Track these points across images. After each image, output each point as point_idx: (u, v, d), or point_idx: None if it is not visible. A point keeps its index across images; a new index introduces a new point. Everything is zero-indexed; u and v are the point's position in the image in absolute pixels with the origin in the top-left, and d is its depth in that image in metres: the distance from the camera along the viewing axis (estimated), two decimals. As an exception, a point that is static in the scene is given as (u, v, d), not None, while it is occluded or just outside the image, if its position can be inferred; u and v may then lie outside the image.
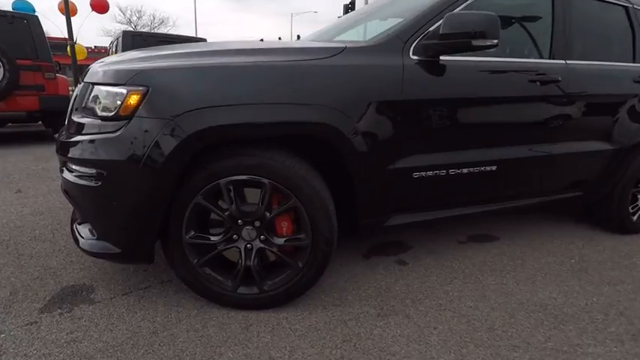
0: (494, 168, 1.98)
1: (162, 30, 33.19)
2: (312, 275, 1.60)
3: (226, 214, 1.53)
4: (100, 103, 1.43)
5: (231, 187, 1.49)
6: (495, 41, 1.57)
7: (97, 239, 1.53)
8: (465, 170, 1.90)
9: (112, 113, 1.38)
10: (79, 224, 1.69)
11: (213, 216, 1.64)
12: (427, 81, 1.71)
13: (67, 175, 1.53)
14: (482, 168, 1.95)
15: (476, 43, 1.57)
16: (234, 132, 1.41)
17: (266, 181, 1.47)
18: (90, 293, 1.74)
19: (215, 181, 1.47)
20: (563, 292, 1.90)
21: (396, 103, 1.64)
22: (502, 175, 2.02)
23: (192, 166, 1.46)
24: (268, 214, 1.53)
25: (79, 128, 1.48)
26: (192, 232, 1.54)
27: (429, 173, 1.82)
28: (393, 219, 1.86)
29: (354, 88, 1.56)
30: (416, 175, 1.79)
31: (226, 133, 1.39)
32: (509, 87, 1.94)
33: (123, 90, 1.37)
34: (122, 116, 1.37)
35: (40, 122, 6.36)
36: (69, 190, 1.56)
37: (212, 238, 1.56)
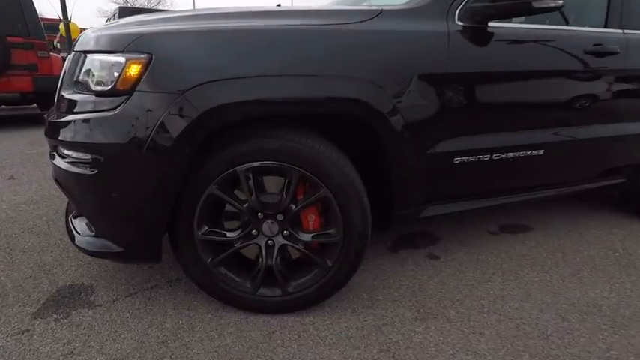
0: (540, 152, 1.76)
1: (160, 8, 32.30)
2: (343, 275, 1.40)
3: (245, 206, 1.32)
4: (93, 75, 1.20)
5: (251, 175, 1.27)
6: (561, 2, 1.33)
7: (95, 236, 1.33)
8: (510, 155, 1.68)
9: (109, 87, 1.16)
10: (75, 218, 1.48)
11: (228, 209, 1.43)
12: (474, 51, 1.47)
13: (58, 161, 1.32)
14: (529, 152, 1.73)
15: (537, 4, 1.33)
16: (255, 110, 1.18)
17: (292, 168, 1.25)
18: (89, 295, 1.55)
19: (231, 168, 1.25)
20: (615, 290, 1.71)
21: (438, 77, 1.40)
22: (548, 160, 1.80)
23: (205, 151, 1.24)
24: (293, 207, 1.32)
25: (71, 106, 1.26)
26: (206, 228, 1.33)
27: (472, 158, 1.60)
28: (429, 209, 1.66)
29: (393, 58, 1.33)
30: (457, 160, 1.58)
31: (246, 110, 1.16)
32: (562, 60, 1.70)
33: (121, 58, 1.14)
34: (120, 91, 1.14)
35: (34, 104, 6.10)
36: (60, 179, 1.34)
37: (228, 234, 1.36)
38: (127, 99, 1.13)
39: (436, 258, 1.94)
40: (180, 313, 1.45)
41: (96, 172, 1.18)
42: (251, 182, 1.28)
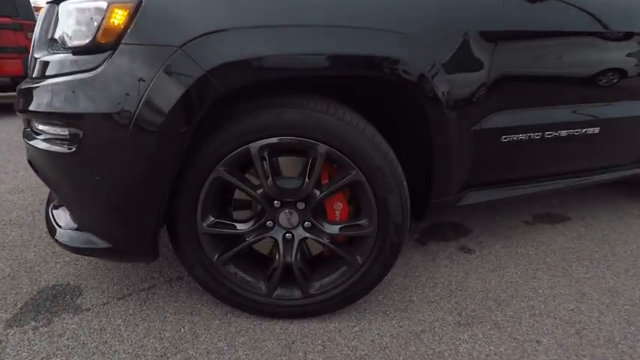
0: (596, 130, 1.52)
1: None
2: (376, 274, 1.18)
3: (259, 192, 1.09)
4: (69, 28, 0.96)
5: (266, 155, 1.04)
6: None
7: (78, 229, 1.10)
8: (562, 133, 1.45)
9: (87, 41, 0.91)
10: (56, 208, 1.25)
11: (238, 196, 1.20)
12: (533, 7, 1.22)
13: (31, 139, 1.08)
14: (584, 130, 1.49)
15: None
16: (274, 69, 0.94)
17: (317, 145, 1.02)
18: (75, 297, 1.32)
19: (243, 145, 1.01)
20: (679, 288, 1.49)
21: (492, 35, 1.16)
22: (603, 139, 1.57)
23: (211, 123, 1.01)
24: (318, 193, 1.09)
25: (44, 69, 1.01)
26: (211, 219, 1.11)
27: (521, 137, 1.37)
28: (469, 197, 1.43)
29: (443, 13, 1.08)
30: (505, 138, 1.34)
31: (263, 70, 0.92)
32: (635, 21, 1.45)
33: (101, 3, 0.89)
34: (102, 45, 0.90)
35: (26, 90, 5.82)
36: (35, 160, 1.11)
37: (238, 225, 1.13)
38: (110, 56, 0.89)
39: (470, 252, 1.72)
40: (182, 319, 1.23)
41: (74, 149, 0.94)
42: (266, 163, 1.05)
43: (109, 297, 1.32)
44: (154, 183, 0.96)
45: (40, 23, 1.12)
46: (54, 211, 1.24)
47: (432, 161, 1.22)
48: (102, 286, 1.38)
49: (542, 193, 1.66)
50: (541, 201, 2.31)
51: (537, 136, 1.39)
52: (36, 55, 1.08)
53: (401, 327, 1.23)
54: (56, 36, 1.02)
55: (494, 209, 2.16)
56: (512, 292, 1.44)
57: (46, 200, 2.12)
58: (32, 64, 1.10)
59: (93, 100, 0.90)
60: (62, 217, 1.20)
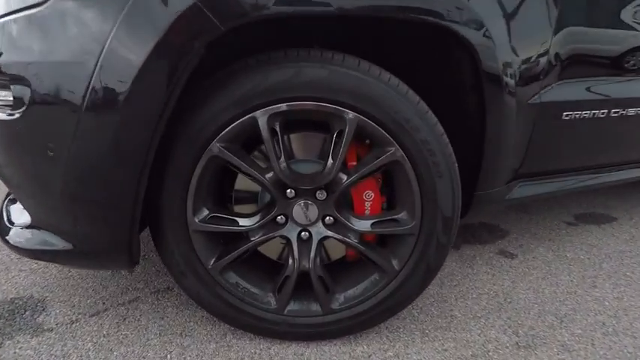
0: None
1: None
2: (416, 284, 0.92)
3: (267, 177, 0.84)
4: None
5: (278, 127, 0.80)
6: None
7: (32, 227, 0.85)
8: (631, 111, 1.21)
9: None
10: (13, 202, 1.00)
11: (240, 186, 0.96)
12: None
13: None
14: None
15: None
16: (295, 3, 0.69)
17: (346, 112, 0.77)
18: (37, 314, 1.07)
19: (247, 113, 0.77)
20: None
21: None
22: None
23: (202, 83, 0.77)
24: (345, 177, 0.85)
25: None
26: (206, 212, 0.86)
27: (585, 114, 1.12)
28: (519, 189, 1.18)
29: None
30: (567, 115, 1.10)
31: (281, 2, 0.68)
32: None
33: None
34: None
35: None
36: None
37: (241, 221, 0.88)
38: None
39: (512, 256, 1.47)
40: (169, 342, 0.97)
41: (19, 115, 0.70)
42: (278, 139, 0.81)
43: (79, 313, 1.07)
44: (126, 162, 0.71)
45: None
46: (10, 206, 0.99)
47: (482, 141, 0.97)
48: (72, 300, 1.12)
49: (597, 187, 1.42)
50: (579, 200, 2.06)
51: (603, 113, 1.15)
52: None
53: (446, 350, 0.98)
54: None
55: (527, 209, 1.91)
56: (572, 304, 1.19)
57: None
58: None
59: (40, 45, 0.65)
60: (19, 213, 0.95)
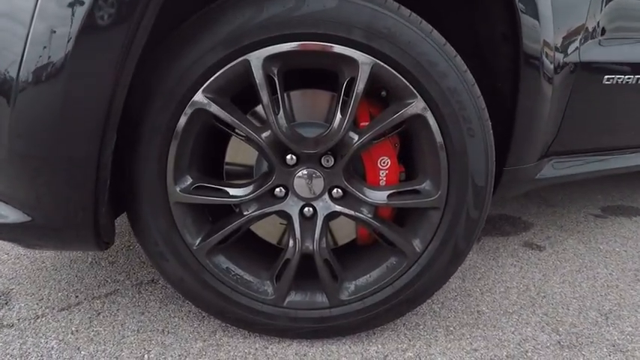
0: None
1: None
2: (441, 269, 0.77)
3: (264, 136, 0.70)
4: None
5: (276, 74, 0.66)
6: None
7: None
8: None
9: None
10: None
11: (231, 158, 0.82)
12: None
13: None
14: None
15: None
16: None
17: (357, 53, 0.64)
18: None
19: (239, 55, 0.64)
20: None
21: None
22: None
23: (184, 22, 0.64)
24: (356, 138, 0.71)
25: None
26: (190, 181, 0.72)
27: (629, 79, 0.99)
28: (550, 168, 1.04)
29: None
30: (608, 79, 0.96)
31: None
32: None
33: None
34: None
35: None
36: None
37: (231, 191, 0.74)
38: None
39: (539, 248, 1.31)
40: (148, 340, 0.82)
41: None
42: (279, 89, 0.67)
43: (46, 307, 0.92)
44: (80, 117, 0.57)
45: None
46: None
47: (514, 107, 0.83)
48: (41, 293, 0.98)
49: (630, 169, 1.27)
50: (603, 193, 1.91)
51: (647, 80, 1.01)
52: None
53: (476, 350, 0.82)
54: None
55: (549, 201, 1.75)
56: (616, 299, 1.03)
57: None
58: None
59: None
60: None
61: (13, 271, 1.08)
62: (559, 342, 0.86)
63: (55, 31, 0.54)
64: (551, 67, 0.83)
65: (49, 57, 0.55)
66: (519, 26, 0.74)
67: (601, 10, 0.91)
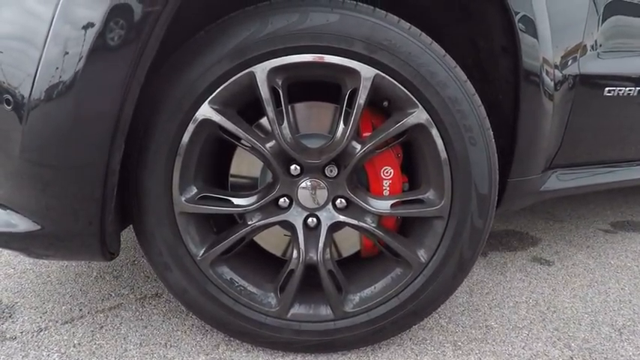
0: None
1: None
2: (447, 280, 0.76)
3: (268, 146, 0.71)
4: None
5: (280, 86, 0.68)
6: None
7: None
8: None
9: None
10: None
11: (236, 170, 0.83)
12: None
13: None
14: None
15: None
16: None
17: (359, 65, 0.65)
18: (3, 320, 0.91)
19: (244, 68, 0.65)
20: None
21: None
22: None
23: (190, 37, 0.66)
24: (359, 147, 0.71)
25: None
26: (195, 191, 0.73)
27: (630, 91, 0.99)
28: (554, 180, 1.04)
29: None
30: (610, 91, 0.97)
31: None
32: None
33: None
34: None
35: None
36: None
37: (236, 200, 0.74)
38: None
39: (548, 263, 1.29)
40: (150, 354, 0.81)
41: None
42: (283, 99, 0.69)
43: (49, 321, 0.92)
44: (90, 128, 0.59)
45: None
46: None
47: (516, 118, 0.84)
48: (44, 306, 0.97)
49: (638, 182, 1.26)
50: (612, 208, 1.88)
51: (649, 92, 1.02)
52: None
53: (486, 367, 0.80)
54: None
55: (557, 217, 1.73)
56: (630, 314, 1.00)
57: None
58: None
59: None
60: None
61: (18, 285, 1.08)
62: (571, 357, 0.84)
63: (67, 52, 0.56)
64: (552, 83, 0.84)
65: (61, 76, 0.57)
66: (519, 45, 0.76)
67: (598, 28, 0.93)
